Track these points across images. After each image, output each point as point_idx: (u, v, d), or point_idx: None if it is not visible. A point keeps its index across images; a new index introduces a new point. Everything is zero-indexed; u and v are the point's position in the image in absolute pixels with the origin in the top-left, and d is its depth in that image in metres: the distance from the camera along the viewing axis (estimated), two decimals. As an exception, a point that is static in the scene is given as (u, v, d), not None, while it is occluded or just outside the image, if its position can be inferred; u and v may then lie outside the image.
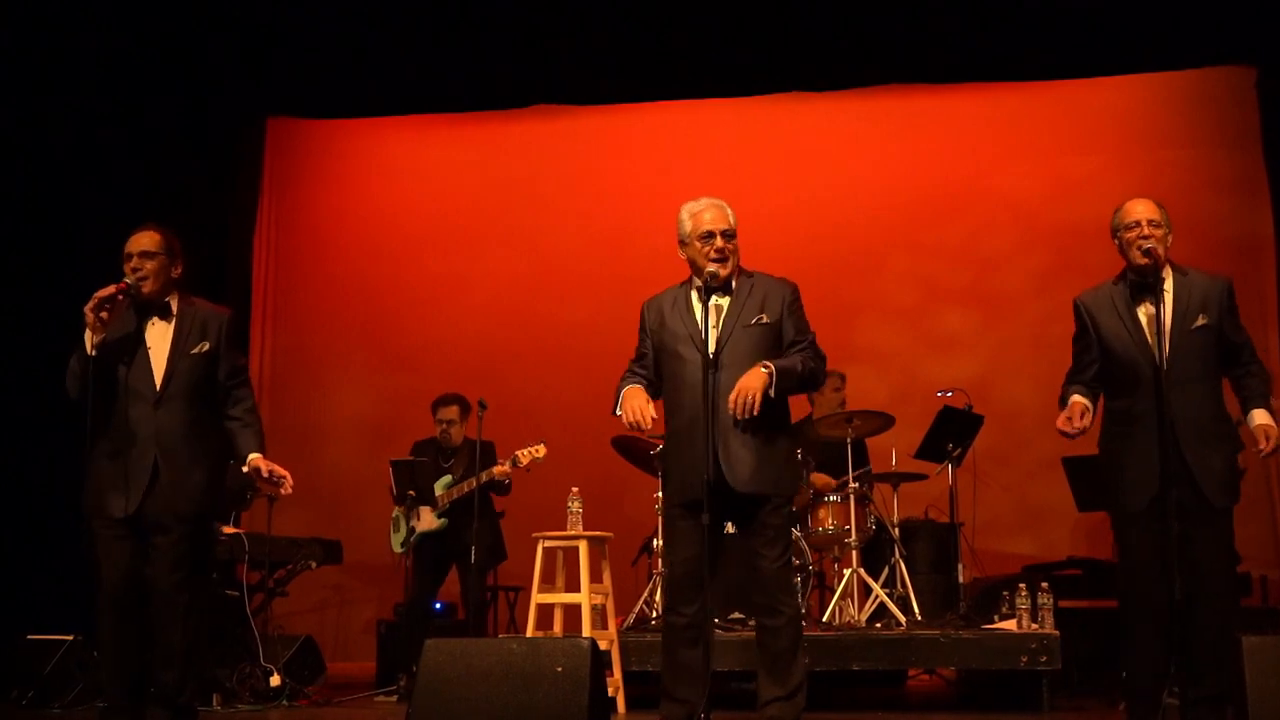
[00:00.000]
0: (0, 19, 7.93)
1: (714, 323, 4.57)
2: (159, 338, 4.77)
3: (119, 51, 8.37)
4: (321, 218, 9.94)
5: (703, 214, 4.64)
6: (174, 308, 4.80)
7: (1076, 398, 4.65)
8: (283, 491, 4.84)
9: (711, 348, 4.51)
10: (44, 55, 8.20)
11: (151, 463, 4.64)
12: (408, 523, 7.20)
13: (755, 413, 4.41)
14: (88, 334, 4.61)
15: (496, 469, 6.79)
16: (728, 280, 4.63)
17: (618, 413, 4.61)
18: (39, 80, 8.19)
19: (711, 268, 4.55)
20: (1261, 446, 4.52)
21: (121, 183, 8.34)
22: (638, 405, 4.53)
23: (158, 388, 4.70)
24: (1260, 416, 4.57)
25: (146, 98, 8.47)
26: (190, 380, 4.74)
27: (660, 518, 6.74)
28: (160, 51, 8.47)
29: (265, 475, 4.80)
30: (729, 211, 4.67)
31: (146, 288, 4.72)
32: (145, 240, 4.78)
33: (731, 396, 4.43)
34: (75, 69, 8.28)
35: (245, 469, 4.83)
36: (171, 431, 4.68)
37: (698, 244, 4.61)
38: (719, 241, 4.59)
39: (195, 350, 4.76)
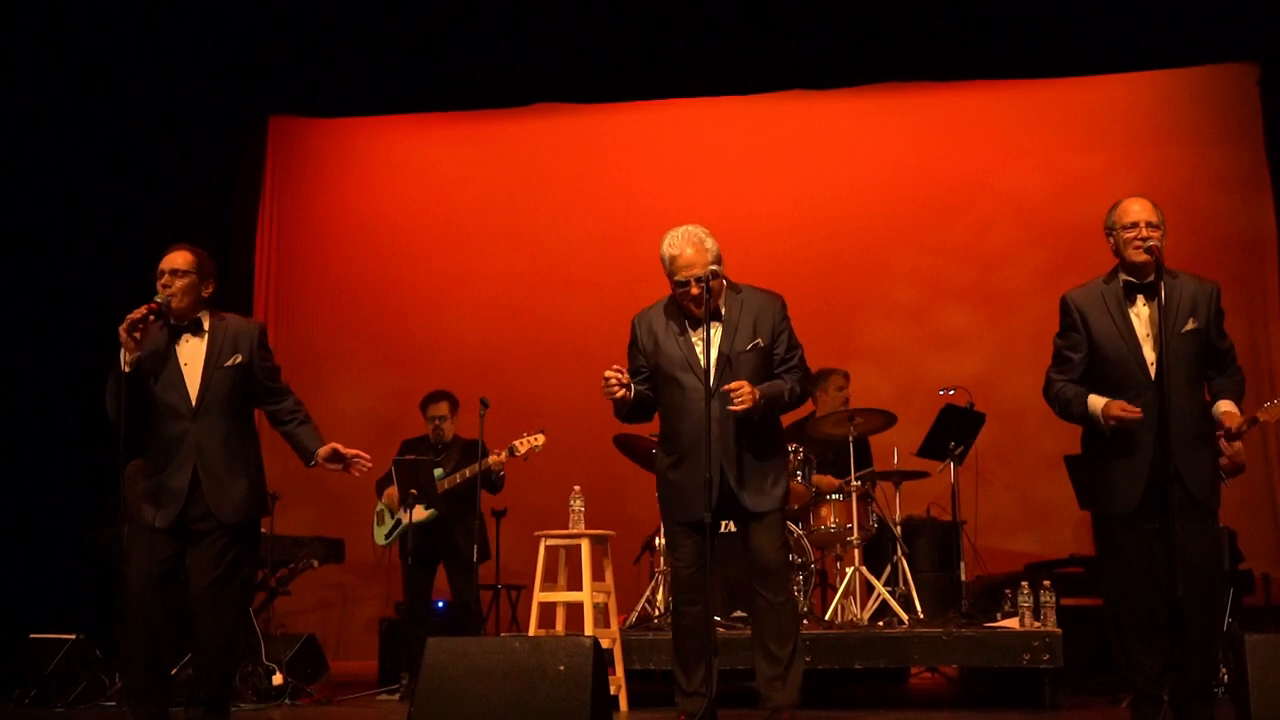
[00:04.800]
0: (0, 18, 7.93)
1: (705, 351, 4.62)
2: (192, 354, 4.84)
3: (120, 50, 8.36)
4: (324, 216, 9.94)
5: (678, 258, 4.63)
6: (206, 325, 4.88)
7: (1098, 398, 4.57)
8: (357, 471, 4.88)
9: (712, 378, 4.57)
10: (43, 55, 8.20)
11: (190, 476, 4.72)
12: (393, 515, 7.19)
13: (742, 408, 4.49)
14: (122, 353, 4.68)
15: (491, 459, 6.79)
16: (715, 307, 4.66)
17: (623, 417, 4.75)
18: (39, 80, 8.19)
19: (694, 311, 4.64)
20: (1225, 426, 4.50)
21: (124, 182, 8.35)
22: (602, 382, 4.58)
23: (193, 403, 4.78)
24: (1225, 405, 4.57)
25: (148, 96, 8.47)
26: (225, 393, 4.82)
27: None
28: (162, 50, 8.46)
29: (345, 457, 4.85)
30: (707, 244, 4.64)
31: (176, 304, 4.80)
32: (178, 259, 4.86)
33: (735, 384, 4.50)
34: (75, 68, 8.28)
35: (316, 463, 4.87)
36: (210, 444, 4.76)
37: (675, 283, 4.66)
38: (694, 289, 4.59)
39: (229, 363, 4.84)
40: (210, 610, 4.70)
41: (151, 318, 4.70)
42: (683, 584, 4.72)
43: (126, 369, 4.68)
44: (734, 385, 4.52)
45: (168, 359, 4.80)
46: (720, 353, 4.62)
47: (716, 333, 4.65)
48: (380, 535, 7.31)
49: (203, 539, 4.72)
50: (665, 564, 6.64)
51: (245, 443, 4.90)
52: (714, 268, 4.61)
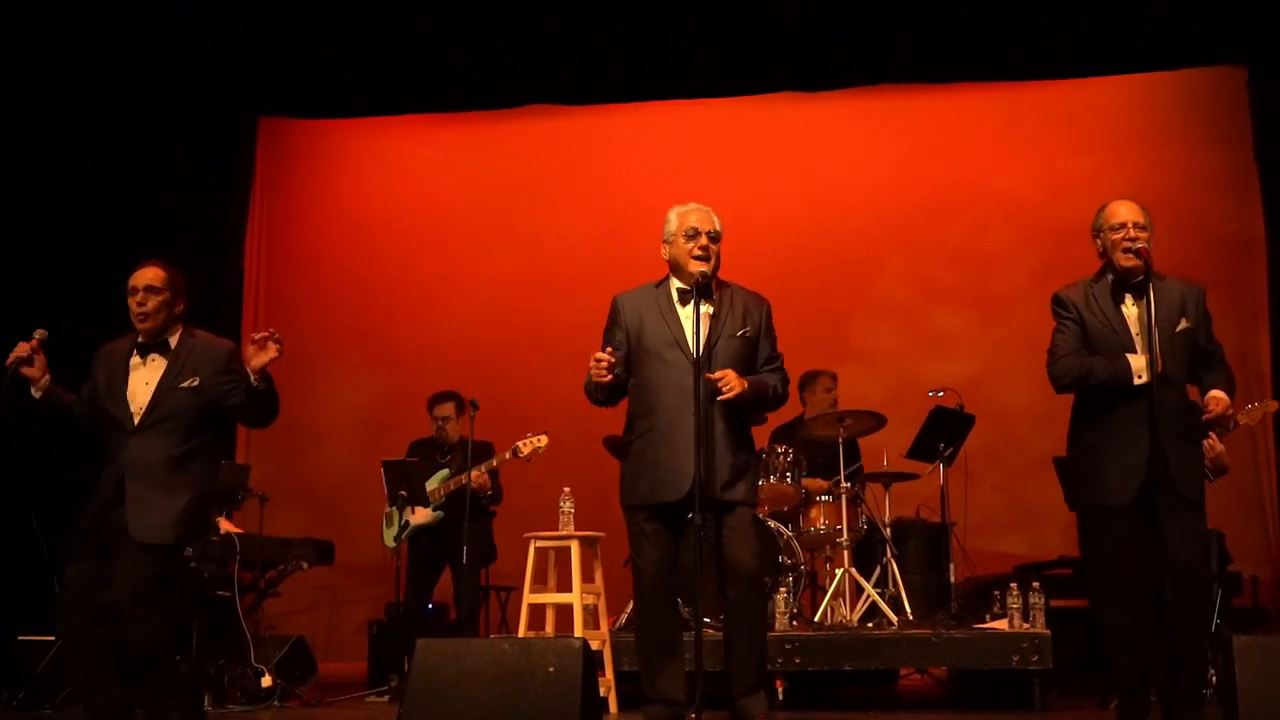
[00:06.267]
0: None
1: (701, 330, 4.59)
2: (152, 371, 4.72)
3: (110, 51, 8.34)
4: (314, 218, 9.92)
5: (689, 214, 4.72)
6: (173, 344, 4.75)
7: (1137, 356, 4.54)
8: (269, 353, 4.74)
9: (702, 352, 4.54)
10: (36, 55, 8.18)
11: (115, 487, 4.57)
12: (401, 517, 7.20)
13: (732, 395, 4.49)
14: (31, 388, 4.65)
15: (495, 459, 6.83)
16: (708, 285, 4.66)
17: (600, 400, 4.70)
18: (31, 79, 8.18)
19: (695, 266, 4.59)
20: (1210, 409, 4.53)
21: (113, 183, 8.33)
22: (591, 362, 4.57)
23: (135, 420, 4.63)
24: (1216, 391, 4.59)
25: (138, 97, 8.45)
26: (175, 414, 4.66)
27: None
28: (152, 50, 8.44)
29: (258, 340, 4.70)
30: (715, 218, 4.75)
31: (148, 324, 4.70)
32: (150, 275, 4.74)
33: (720, 373, 4.49)
34: (67, 68, 8.26)
35: (254, 380, 4.71)
36: (145, 462, 4.59)
37: (682, 240, 4.66)
38: (704, 240, 4.63)
39: (185, 385, 4.69)
40: (131, 635, 4.46)
41: (36, 342, 4.64)
42: (649, 586, 4.61)
43: (37, 394, 4.64)
44: (719, 374, 4.50)
45: (122, 372, 4.71)
46: (710, 333, 4.61)
47: (709, 310, 4.65)
48: (389, 536, 7.30)
49: (124, 554, 4.51)
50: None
51: (194, 468, 4.68)
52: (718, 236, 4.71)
